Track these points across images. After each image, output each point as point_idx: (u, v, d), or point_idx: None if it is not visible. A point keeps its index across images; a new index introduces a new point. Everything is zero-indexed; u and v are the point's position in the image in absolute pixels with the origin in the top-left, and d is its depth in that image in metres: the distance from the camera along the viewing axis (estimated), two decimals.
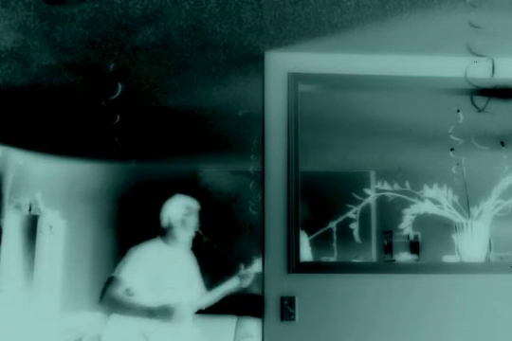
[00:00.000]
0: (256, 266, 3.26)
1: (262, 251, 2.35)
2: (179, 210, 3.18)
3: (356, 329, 2.30)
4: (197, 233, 3.27)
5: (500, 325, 2.35)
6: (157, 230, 3.23)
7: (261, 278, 2.36)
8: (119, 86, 2.69)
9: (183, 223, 3.16)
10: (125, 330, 3.00)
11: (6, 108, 3.48)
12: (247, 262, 3.29)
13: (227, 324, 4.66)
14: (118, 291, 2.94)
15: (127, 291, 2.97)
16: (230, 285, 3.25)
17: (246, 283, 3.23)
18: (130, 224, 5.01)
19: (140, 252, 3.09)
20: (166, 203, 3.24)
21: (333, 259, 3.29)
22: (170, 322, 2.94)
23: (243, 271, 3.24)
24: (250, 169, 3.61)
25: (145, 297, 2.99)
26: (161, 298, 3.00)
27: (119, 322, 3.03)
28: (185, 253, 3.26)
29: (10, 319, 4.35)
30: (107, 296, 2.93)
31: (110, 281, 2.98)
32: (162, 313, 2.93)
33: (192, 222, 3.20)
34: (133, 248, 3.11)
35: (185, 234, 3.18)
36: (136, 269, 2.99)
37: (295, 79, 2.45)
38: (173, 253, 3.16)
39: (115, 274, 3.00)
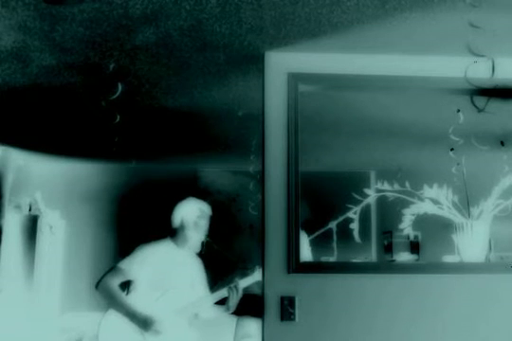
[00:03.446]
0: (246, 281, 3.17)
1: (262, 251, 2.35)
2: (193, 212, 3.19)
3: (356, 329, 2.30)
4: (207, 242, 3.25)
5: (499, 325, 2.35)
6: (168, 231, 3.23)
7: (261, 278, 2.36)
8: (119, 86, 2.69)
9: (196, 225, 3.17)
10: (122, 326, 3.00)
11: (6, 108, 3.48)
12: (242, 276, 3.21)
13: (227, 324, 4.65)
14: (116, 281, 2.96)
15: (127, 286, 2.98)
16: (219, 296, 3.20)
17: (233, 304, 3.15)
18: (130, 224, 5.02)
19: (149, 250, 3.10)
20: (179, 204, 3.24)
21: (333, 259, 3.30)
22: (146, 332, 2.93)
23: (233, 284, 3.13)
24: (250, 169, 3.61)
25: (144, 296, 2.99)
26: (161, 299, 3.00)
27: (116, 319, 3.03)
28: (193, 256, 3.26)
29: (10, 319, 4.35)
30: (103, 283, 2.96)
31: (111, 270, 3.00)
32: (142, 321, 2.93)
33: (204, 225, 3.20)
34: (142, 245, 3.12)
35: (196, 236, 3.19)
36: (142, 266, 3.00)
37: (295, 79, 2.45)
38: (181, 255, 3.17)
39: (118, 264, 3.01)
